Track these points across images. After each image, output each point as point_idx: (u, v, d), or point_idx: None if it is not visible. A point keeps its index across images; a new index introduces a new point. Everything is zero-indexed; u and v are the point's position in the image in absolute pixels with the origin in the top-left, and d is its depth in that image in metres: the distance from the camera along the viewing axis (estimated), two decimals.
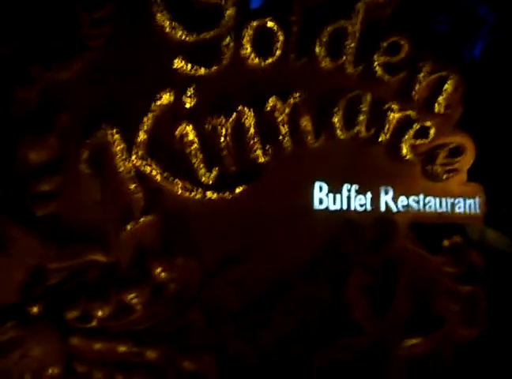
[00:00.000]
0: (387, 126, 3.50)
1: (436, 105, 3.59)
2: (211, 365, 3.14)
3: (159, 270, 3.06)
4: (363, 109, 3.44)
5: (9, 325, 2.87)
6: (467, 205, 3.69)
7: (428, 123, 3.58)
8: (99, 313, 3.00)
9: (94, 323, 3.00)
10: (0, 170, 2.91)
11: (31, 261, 2.91)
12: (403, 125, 3.54)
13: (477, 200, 3.72)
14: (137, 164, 3.05)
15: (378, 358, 3.43)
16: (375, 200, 3.49)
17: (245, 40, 3.19)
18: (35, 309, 2.90)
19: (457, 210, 3.66)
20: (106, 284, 3.02)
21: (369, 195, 3.47)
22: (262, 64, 3.24)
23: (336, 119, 3.38)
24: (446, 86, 3.58)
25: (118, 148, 3.02)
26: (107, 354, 3.03)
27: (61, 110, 2.98)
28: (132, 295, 3.03)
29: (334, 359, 3.34)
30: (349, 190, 3.43)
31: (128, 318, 3.05)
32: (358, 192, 3.45)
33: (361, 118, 3.44)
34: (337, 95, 3.40)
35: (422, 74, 3.52)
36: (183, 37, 3.09)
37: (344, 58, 3.39)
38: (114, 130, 3.00)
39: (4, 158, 2.92)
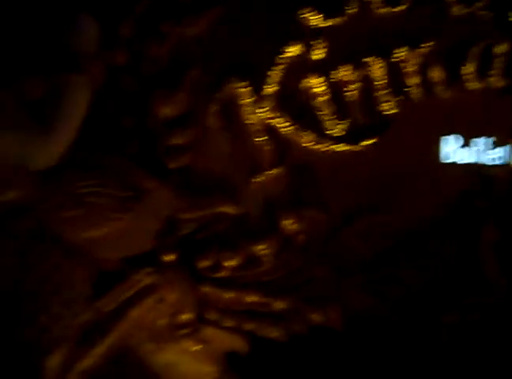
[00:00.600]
0: None
1: None
2: (337, 317, 3.16)
3: (287, 222, 3.09)
4: (497, 58, 3.26)
5: (145, 272, 3.00)
6: None
7: None
8: (229, 264, 3.08)
9: (224, 273, 3.09)
10: (135, 126, 3.03)
11: (164, 212, 3.01)
12: None
13: None
14: (266, 117, 3.07)
15: (509, 317, 3.31)
16: (508, 154, 3.32)
17: None
18: (169, 258, 3.02)
19: None
20: (236, 236, 3.09)
21: (502, 148, 3.30)
22: (391, 12, 3.15)
23: (468, 69, 3.24)
24: None
25: (247, 101, 3.05)
26: (236, 303, 3.11)
27: (190, 66, 3.04)
28: (261, 247, 3.08)
29: (463, 318, 3.27)
30: (481, 143, 3.28)
31: (257, 269, 3.11)
32: (490, 145, 3.29)
33: (495, 67, 3.27)
34: (469, 44, 3.24)
35: None
36: None
37: (477, 4, 3.23)
38: (243, 84, 3.03)
39: (139, 114, 3.03)
